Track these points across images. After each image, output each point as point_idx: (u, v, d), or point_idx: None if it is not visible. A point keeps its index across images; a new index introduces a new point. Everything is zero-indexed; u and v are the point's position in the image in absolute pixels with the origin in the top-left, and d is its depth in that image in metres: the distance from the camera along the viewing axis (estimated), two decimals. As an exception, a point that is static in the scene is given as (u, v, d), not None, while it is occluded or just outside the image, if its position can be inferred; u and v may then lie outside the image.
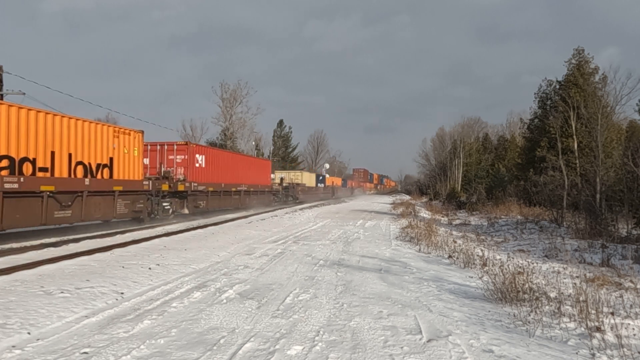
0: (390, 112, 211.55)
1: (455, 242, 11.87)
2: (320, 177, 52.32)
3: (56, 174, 12.08)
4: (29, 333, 4.53)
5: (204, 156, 21.16)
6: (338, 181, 65.40)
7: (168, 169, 19.17)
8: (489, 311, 5.75)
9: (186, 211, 19.37)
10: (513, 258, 9.13)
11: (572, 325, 5.13)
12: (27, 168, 11.24)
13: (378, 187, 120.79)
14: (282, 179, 39.20)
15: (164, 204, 17.49)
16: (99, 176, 13.67)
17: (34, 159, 11.42)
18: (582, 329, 4.96)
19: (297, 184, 39.66)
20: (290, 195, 36.41)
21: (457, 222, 21.74)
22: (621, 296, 6.42)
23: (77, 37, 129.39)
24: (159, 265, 8.32)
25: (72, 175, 12.63)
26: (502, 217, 21.80)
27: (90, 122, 13.65)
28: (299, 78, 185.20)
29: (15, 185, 10.73)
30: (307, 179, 45.34)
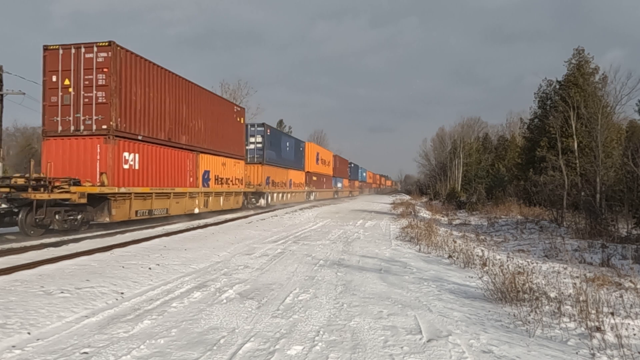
0: (392, 112, 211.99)
1: (455, 242, 11.86)
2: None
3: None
4: (29, 333, 4.53)
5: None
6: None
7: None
8: (489, 311, 5.75)
9: None
10: (513, 258, 9.11)
11: (572, 325, 5.13)
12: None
13: (349, 186, 66.10)
14: None
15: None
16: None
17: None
18: (582, 329, 4.96)
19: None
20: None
21: (457, 222, 21.73)
22: (621, 296, 6.41)
23: (82, 37, 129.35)
24: (159, 265, 8.32)
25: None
26: (502, 217, 21.80)
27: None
28: (304, 79, 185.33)
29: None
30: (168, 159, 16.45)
